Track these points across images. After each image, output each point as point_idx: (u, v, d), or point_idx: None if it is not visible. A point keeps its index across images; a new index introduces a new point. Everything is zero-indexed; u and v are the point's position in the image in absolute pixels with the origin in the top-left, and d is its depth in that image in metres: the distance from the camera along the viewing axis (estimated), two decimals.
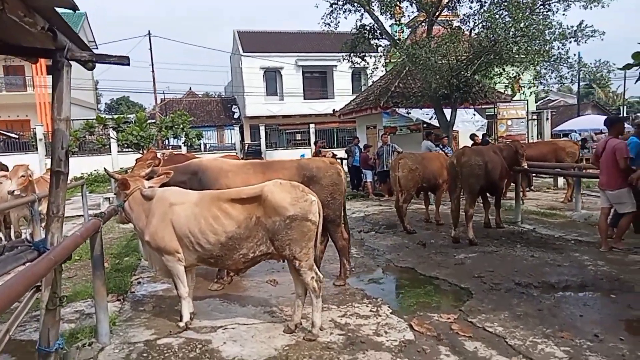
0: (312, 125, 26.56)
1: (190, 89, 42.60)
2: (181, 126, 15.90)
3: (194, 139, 16.41)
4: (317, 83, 33.63)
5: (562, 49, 11.66)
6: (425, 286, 5.48)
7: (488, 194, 8.08)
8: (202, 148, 26.62)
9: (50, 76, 2.84)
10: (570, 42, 11.67)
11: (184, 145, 20.91)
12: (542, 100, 40.78)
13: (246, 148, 28.47)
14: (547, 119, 19.82)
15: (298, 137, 29.73)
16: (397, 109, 15.31)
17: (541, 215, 9.24)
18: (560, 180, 14.16)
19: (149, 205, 4.13)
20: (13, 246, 3.00)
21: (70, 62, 2.92)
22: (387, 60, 19.75)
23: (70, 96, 2.90)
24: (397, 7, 12.97)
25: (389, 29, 14.84)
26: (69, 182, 3.22)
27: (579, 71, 11.72)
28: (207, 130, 28.85)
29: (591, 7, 11.08)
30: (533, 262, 6.09)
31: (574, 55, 11.76)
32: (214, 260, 4.04)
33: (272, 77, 32.23)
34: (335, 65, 31.31)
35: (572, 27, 11.53)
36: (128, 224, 4.76)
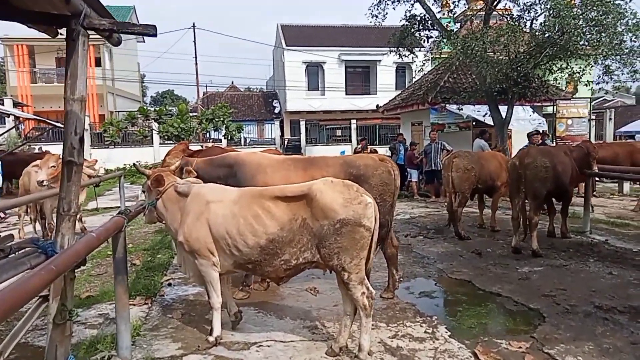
0: (353, 121, 25.92)
1: (232, 82, 42.80)
2: (221, 119, 15.66)
3: (234, 132, 16.16)
4: (359, 78, 32.88)
5: (636, 41, 10.52)
6: (486, 304, 4.81)
7: (554, 200, 7.23)
8: (242, 142, 26.51)
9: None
10: None
11: (224, 139, 20.77)
12: (597, 101, 38.39)
13: (286, 143, 28.17)
14: (610, 119, 18.33)
15: (338, 133, 29.18)
16: (446, 105, 14.43)
17: (611, 225, 8.27)
18: (627, 186, 12.96)
19: (183, 203, 3.72)
20: (20, 246, 2.57)
21: (89, 31, 2.45)
22: (436, 55, 18.85)
23: (86, 72, 2.43)
24: None
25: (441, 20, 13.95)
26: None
27: None
28: (248, 125, 28.75)
29: None
30: (612, 281, 5.28)
31: None
32: (252, 266, 3.57)
33: (314, 72, 31.76)
34: (379, 60, 30.63)
35: None
36: (155, 223, 4.32)
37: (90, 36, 2.49)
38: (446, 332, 4.04)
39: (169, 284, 5.34)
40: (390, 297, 4.87)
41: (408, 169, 13.08)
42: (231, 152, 5.29)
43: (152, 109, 17.71)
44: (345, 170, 4.80)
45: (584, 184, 8.32)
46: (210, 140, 22.12)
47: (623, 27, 10.26)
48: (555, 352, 3.62)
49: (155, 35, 2.49)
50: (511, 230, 7.59)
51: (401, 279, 5.43)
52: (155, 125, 16.56)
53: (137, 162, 18.58)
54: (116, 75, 29.55)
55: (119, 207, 10.38)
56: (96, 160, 8.11)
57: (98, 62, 28.42)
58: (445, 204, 8.89)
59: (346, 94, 31.35)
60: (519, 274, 5.66)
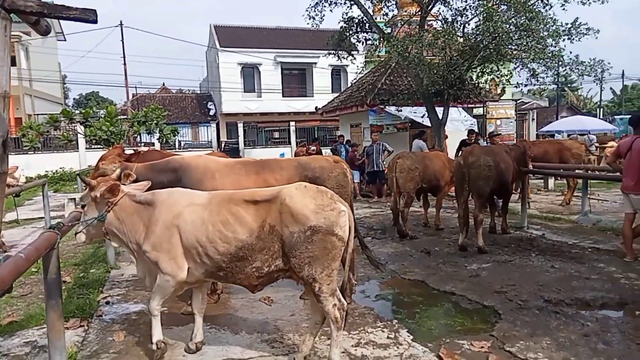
0: (292, 123, 25.75)
1: (163, 84, 41.05)
2: (155, 121, 14.81)
3: (169, 135, 15.33)
4: (296, 80, 32.82)
5: (555, 46, 11.25)
6: (442, 303, 4.82)
7: (495, 197, 7.48)
8: (177, 145, 25.42)
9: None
10: (564, 39, 11.27)
11: (158, 142, 19.73)
12: (515, 102, 41.16)
13: (223, 146, 27.42)
14: (533, 119, 19.61)
15: (276, 135, 28.89)
16: (385, 107, 14.66)
17: (545, 220, 8.72)
18: (551, 182, 13.83)
19: (148, 211, 3.39)
20: None
21: (12, 16, 2.06)
22: (370, 59, 19.16)
23: (8, 63, 2.04)
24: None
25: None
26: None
27: (575, 70, 11.28)
28: (182, 127, 27.63)
29: (590, 3, 10.67)
30: (556, 274, 5.49)
31: (570, 52, 11.35)
32: (223, 274, 3.30)
33: (249, 74, 31.26)
34: (315, 63, 30.77)
35: (566, 24, 11.14)
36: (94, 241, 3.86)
37: None
38: (408, 336, 3.95)
39: (107, 302, 4.83)
40: (349, 303, 4.73)
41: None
42: (175, 156, 4.89)
43: (78, 112, 16.44)
44: (300, 172, 4.61)
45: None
46: (143, 144, 20.96)
47: (546, 33, 10.93)
48: (516, 349, 3.64)
49: (95, 21, 2.15)
50: (455, 228, 7.79)
51: (356, 283, 5.30)
52: (81, 129, 15.35)
53: (60, 168, 17.10)
54: (34, 76, 27.25)
55: (42, 217, 9.45)
56: (17, 167, 7.27)
57: (13, 62, 26.02)
58: (389, 203, 8.94)
59: (283, 96, 31.15)
60: (469, 271, 5.75)
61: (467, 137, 10.41)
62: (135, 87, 35.91)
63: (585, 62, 11.38)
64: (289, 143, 25.45)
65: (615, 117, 29.24)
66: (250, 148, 25.86)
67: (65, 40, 33.18)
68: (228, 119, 30.04)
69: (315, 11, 13.70)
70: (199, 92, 38.55)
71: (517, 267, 5.84)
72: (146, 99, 32.34)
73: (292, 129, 25.57)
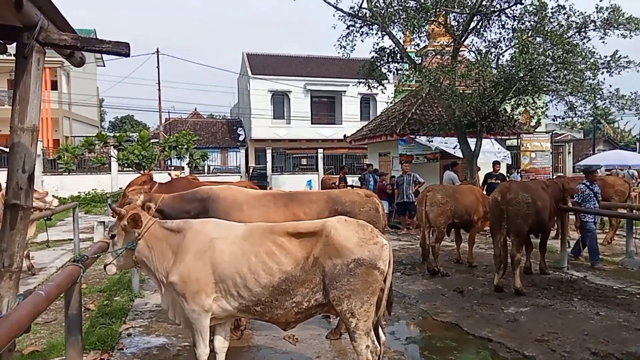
0: (320, 150, 25.76)
1: (195, 109, 42.04)
2: (185, 146, 15.05)
3: (198, 160, 15.52)
4: (325, 108, 33.04)
5: (593, 79, 10.91)
6: (478, 351, 4.50)
7: (532, 236, 7.12)
8: (206, 170, 25.73)
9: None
10: (602, 72, 10.94)
11: (188, 167, 20.02)
12: (550, 134, 40.22)
13: (251, 171, 27.61)
14: (569, 152, 19.00)
15: (304, 161, 28.91)
16: (415, 137, 14.47)
17: (586, 260, 8.23)
18: None
19: (177, 239, 3.32)
20: None
21: (45, 48, 2.02)
22: (400, 89, 19.13)
23: (40, 96, 1.99)
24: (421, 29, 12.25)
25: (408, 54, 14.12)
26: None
27: (616, 103, 10.88)
28: (211, 152, 28.07)
29: (631, 36, 10.36)
30: (602, 322, 5.09)
31: (610, 86, 10.97)
32: (261, 309, 3.21)
33: (279, 101, 31.66)
34: (344, 91, 30.95)
35: (605, 57, 10.82)
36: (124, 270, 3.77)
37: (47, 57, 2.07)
38: None
39: (129, 334, 4.73)
40: (335, 338, 4.51)
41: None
42: (203, 187, 4.84)
43: (111, 135, 16.89)
44: (330, 207, 4.47)
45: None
46: (173, 168, 21.30)
47: (584, 66, 10.63)
48: None
49: (128, 55, 2.09)
50: (489, 265, 7.44)
51: (386, 323, 5.04)
52: (114, 152, 15.73)
53: (93, 189, 17.49)
54: (74, 99, 28.35)
55: (71, 239, 9.56)
56: (47, 192, 7.38)
57: (54, 86, 27.18)
58: (418, 237, 8.66)
59: (312, 123, 31.33)
60: (506, 315, 5.41)
61: (493, 169, 10.08)
62: (169, 112, 36.90)
63: (626, 95, 10.98)
64: (317, 170, 25.40)
65: None
66: (278, 174, 25.94)
67: (104, 65, 34.57)
68: (257, 144, 30.34)
69: (346, 41, 13.79)
70: (229, 117, 39.27)
71: (559, 312, 5.46)
72: (178, 124, 33.11)
73: (320, 155, 25.57)
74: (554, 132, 36.56)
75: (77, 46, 2.03)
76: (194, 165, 16.50)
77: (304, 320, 3.37)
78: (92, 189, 20.72)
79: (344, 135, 20.86)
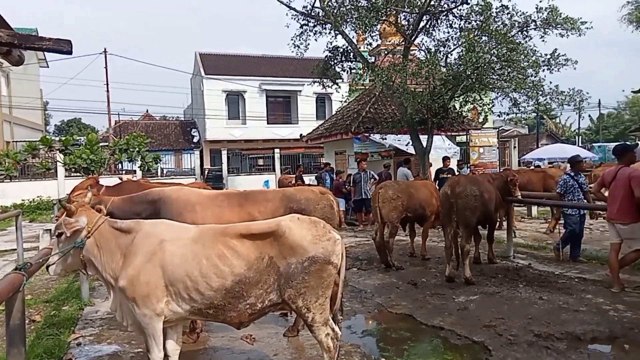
0: (277, 150, 25.69)
1: (147, 111, 40.88)
2: (137, 149, 14.63)
3: (150, 163, 15.13)
4: (280, 107, 33.00)
5: (536, 76, 11.50)
6: (431, 339, 4.67)
7: (480, 227, 7.43)
8: (159, 173, 25.07)
9: None
10: (543, 70, 11.54)
11: (140, 170, 19.46)
12: (497, 130, 42.03)
13: (206, 173, 27.15)
14: (515, 147, 19.93)
15: (261, 162, 28.74)
16: (370, 135, 14.73)
17: (531, 249, 8.68)
18: (534, 209, 13.90)
19: (126, 240, 3.22)
20: None
21: None
22: (354, 88, 19.38)
23: None
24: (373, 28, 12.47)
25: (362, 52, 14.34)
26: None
27: (556, 99, 11.51)
28: (165, 154, 27.40)
29: (568, 35, 10.98)
30: (545, 306, 5.39)
31: (550, 82, 11.60)
32: (213, 312, 3.19)
33: (234, 101, 31.32)
34: (300, 90, 31.02)
35: (546, 55, 11.42)
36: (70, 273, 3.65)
37: None
38: None
39: (78, 344, 4.56)
40: (293, 336, 4.57)
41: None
42: (155, 188, 4.74)
43: (57, 139, 16.14)
44: (285, 205, 4.50)
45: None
46: (124, 172, 20.61)
47: (526, 63, 11.18)
48: None
49: (70, 52, 2.04)
50: (441, 257, 7.70)
51: (342, 318, 5.12)
52: (60, 157, 15.03)
53: (38, 197, 16.69)
54: (15, 102, 26.83)
55: (14, 249, 9.08)
56: None
57: None
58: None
59: (268, 123, 31.20)
60: (457, 304, 5.62)
61: (443, 164, 10.46)
62: (118, 114, 35.63)
63: (564, 91, 11.63)
64: (274, 170, 25.33)
65: (594, 144, 29.91)
66: (234, 175, 25.65)
67: (48, 66, 32.89)
68: (212, 146, 29.88)
69: (300, 40, 13.84)
70: (182, 119, 38.43)
71: (506, 299, 5.73)
72: (129, 126, 32.07)
73: (277, 156, 25.51)
74: (500, 128, 38.18)
75: (14, 43, 1.95)
76: (146, 168, 16.06)
77: (257, 319, 3.40)
78: (37, 196, 19.71)
79: (300, 135, 20.93)
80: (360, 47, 15.85)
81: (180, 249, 3.15)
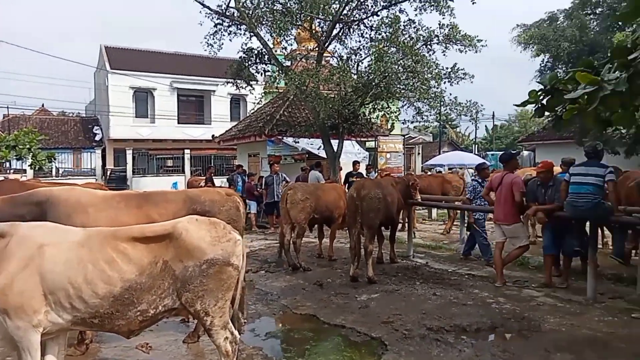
0: (187, 151, 24.83)
1: (42, 105, 37.34)
2: (27, 146, 13.33)
3: (43, 162, 13.86)
4: (193, 107, 31.93)
5: (438, 88, 12.33)
6: (332, 338, 4.82)
7: (383, 228, 7.79)
8: (55, 173, 23.03)
9: None
10: (445, 82, 12.40)
11: (31, 169, 17.72)
12: (403, 137, 44.50)
13: (108, 174, 25.45)
14: (419, 153, 21.17)
15: (170, 163, 27.56)
16: (283, 138, 14.81)
17: (429, 249, 9.27)
18: (434, 212, 14.88)
19: (0, 245, 2.90)
20: None
21: None
22: (272, 89, 19.43)
23: None
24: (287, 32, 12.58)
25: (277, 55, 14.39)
26: None
27: (454, 109, 12.42)
28: (62, 153, 25.27)
29: (466, 51, 11.91)
30: (437, 301, 5.79)
31: (450, 94, 12.49)
32: (98, 321, 2.97)
33: (142, 98, 29.73)
34: (214, 90, 30.25)
35: (447, 68, 12.29)
36: None
37: None
38: None
39: None
40: (193, 342, 4.50)
41: (247, 201, 12.88)
42: (42, 188, 4.36)
43: None
44: (188, 206, 4.36)
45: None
46: (12, 171, 18.63)
47: (430, 75, 11.94)
48: None
49: None
50: (348, 258, 7.94)
51: (246, 321, 5.09)
52: None
53: None
54: None
55: None
56: None
57: None
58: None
59: (178, 123, 30.02)
60: (359, 302, 5.84)
61: (353, 168, 10.87)
62: (7, 107, 32.15)
63: (462, 103, 12.58)
64: (183, 172, 24.44)
65: (488, 152, 32.76)
66: (140, 176, 24.33)
67: None
68: (116, 145, 28.07)
69: (214, 39, 13.57)
70: (84, 115, 35.67)
71: (404, 296, 6.07)
72: (20, 121, 29.09)
73: (187, 157, 24.66)
74: (408, 135, 40.33)
75: None
76: (37, 167, 14.67)
77: (149, 327, 3.25)
78: None
79: (212, 136, 20.45)
80: (276, 50, 15.91)
81: (63, 254, 2.92)
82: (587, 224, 5.97)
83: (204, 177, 16.01)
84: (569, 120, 5.41)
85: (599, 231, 7.53)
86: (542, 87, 5.28)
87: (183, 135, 29.42)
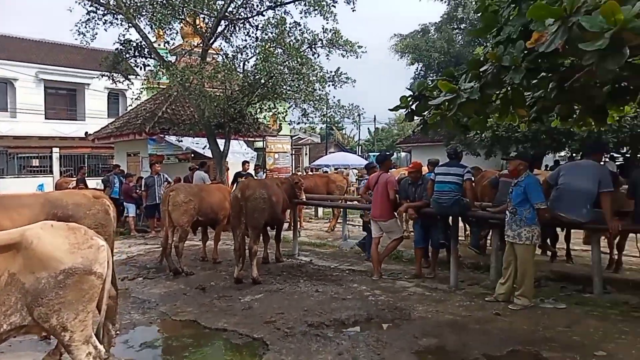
0: (56, 150, 22.43)
1: None
2: None
3: None
4: (63, 101, 28.87)
5: (322, 90, 12.73)
6: (213, 342, 4.71)
7: (269, 228, 7.81)
8: None
9: None
10: (329, 85, 12.83)
11: None
12: (293, 138, 45.31)
13: None
14: (306, 154, 21.64)
15: (35, 162, 24.65)
16: (165, 136, 14.10)
17: (314, 246, 9.52)
18: (320, 211, 15.33)
19: None
20: None
21: None
22: (153, 85, 18.40)
23: None
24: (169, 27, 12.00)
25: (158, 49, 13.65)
26: None
27: (338, 112, 12.91)
28: None
29: (348, 57, 12.44)
30: (319, 297, 5.96)
31: (334, 97, 12.98)
32: None
33: (1, 90, 26.19)
34: (88, 84, 27.71)
35: (331, 72, 12.74)
36: None
37: None
38: None
39: None
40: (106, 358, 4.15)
41: (125, 203, 12.03)
42: None
43: None
44: (48, 211, 3.93)
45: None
46: None
47: (314, 78, 12.26)
48: None
49: None
50: (232, 260, 7.83)
51: (118, 332, 4.74)
52: None
53: None
54: None
55: None
56: None
57: None
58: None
59: (46, 118, 26.95)
60: (242, 304, 5.78)
61: (242, 169, 10.77)
62: None
63: (345, 106, 13.12)
64: (51, 172, 22.05)
65: (370, 154, 34.71)
66: None
67: None
68: None
69: (86, 27, 12.49)
70: None
71: (287, 294, 6.14)
72: None
73: (56, 156, 22.28)
74: (297, 136, 41.02)
75: None
76: None
77: None
78: None
79: (86, 133, 18.80)
80: (159, 44, 15.11)
81: None
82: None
83: (75, 178, 14.59)
84: (434, 124, 5.97)
85: (462, 225, 8.38)
86: (412, 93, 5.75)
87: (52, 132, 26.45)
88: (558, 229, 7.33)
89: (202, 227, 8.42)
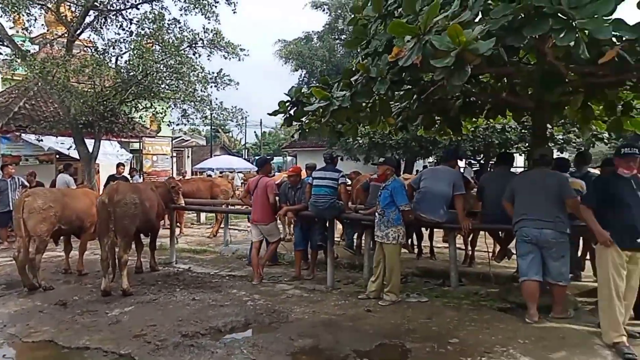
0: None
1: None
2: None
3: None
4: None
5: (204, 92, 12.39)
6: None
7: (142, 235, 7.35)
8: None
9: None
10: (211, 86, 12.52)
11: None
12: (176, 140, 43.36)
13: None
14: (188, 156, 20.84)
15: None
16: (22, 135, 12.53)
17: (193, 253, 9.17)
18: (203, 216, 14.85)
19: None
20: None
21: None
22: (8, 76, 16.27)
23: None
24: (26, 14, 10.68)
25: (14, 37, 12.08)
26: None
27: (220, 114, 12.65)
28: None
29: (230, 58, 12.26)
30: (196, 306, 5.75)
31: (217, 99, 12.68)
32: None
33: None
34: None
35: (213, 73, 12.44)
36: None
37: None
38: None
39: None
40: None
41: None
42: None
43: None
44: None
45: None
46: None
47: (195, 78, 11.86)
48: None
49: None
50: (100, 271, 7.21)
51: None
52: None
53: None
54: None
55: None
56: None
57: None
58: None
59: None
60: (109, 318, 5.34)
61: (117, 171, 10.01)
62: None
63: (228, 108, 12.92)
64: None
65: (256, 157, 34.65)
66: None
67: None
68: None
69: None
70: None
71: (161, 305, 5.82)
72: None
73: None
74: (180, 137, 39.38)
75: None
76: None
77: None
78: None
79: None
80: (17, 31, 13.40)
81: None
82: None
83: None
84: (311, 130, 6.14)
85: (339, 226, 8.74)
86: (290, 99, 5.85)
87: None
88: (423, 229, 8.01)
89: (64, 237, 7.61)
